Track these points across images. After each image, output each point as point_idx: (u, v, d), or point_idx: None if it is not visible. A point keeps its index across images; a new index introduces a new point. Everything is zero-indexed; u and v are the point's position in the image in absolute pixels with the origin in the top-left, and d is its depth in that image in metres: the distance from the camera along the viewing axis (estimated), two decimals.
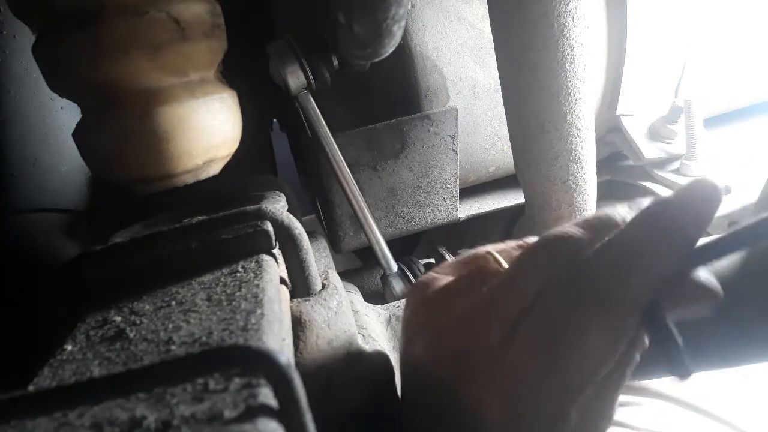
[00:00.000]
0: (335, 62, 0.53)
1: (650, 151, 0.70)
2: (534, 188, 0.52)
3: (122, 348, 0.24)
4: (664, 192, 0.68)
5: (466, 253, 0.32)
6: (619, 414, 0.50)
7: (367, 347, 0.35)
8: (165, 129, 0.41)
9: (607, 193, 0.72)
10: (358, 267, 0.77)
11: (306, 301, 0.33)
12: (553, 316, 0.24)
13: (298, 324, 0.32)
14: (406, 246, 0.86)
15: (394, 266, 0.56)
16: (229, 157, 0.48)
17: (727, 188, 0.66)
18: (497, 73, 0.50)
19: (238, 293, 0.26)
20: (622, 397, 0.51)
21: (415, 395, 0.29)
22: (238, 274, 0.28)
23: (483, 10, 0.62)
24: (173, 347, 0.23)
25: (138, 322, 0.26)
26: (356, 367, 0.33)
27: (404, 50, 0.60)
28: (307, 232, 0.34)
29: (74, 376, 0.22)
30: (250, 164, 0.66)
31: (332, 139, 0.53)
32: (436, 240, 0.76)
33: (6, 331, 0.55)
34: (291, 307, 0.32)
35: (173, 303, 0.27)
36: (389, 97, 0.61)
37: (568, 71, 0.45)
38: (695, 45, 0.70)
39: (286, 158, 0.89)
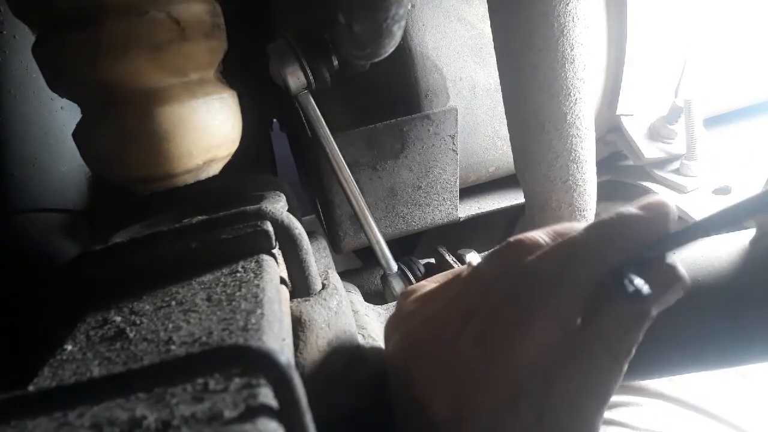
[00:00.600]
0: (335, 62, 0.53)
1: (650, 151, 0.70)
2: (534, 188, 0.52)
3: (122, 348, 0.24)
4: (664, 192, 0.68)
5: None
6: (620, 414, 0.50)
7: (368, 347, 0.35)
8: (165, 129, 0.41)
9: (607, 193, 0.72)
10: (358, 267, 0.77)
11: (306, 301, 0.33)
12: (496, 309, 0.26)
13: (298, 324, 0.32)
14: (406, 246, 0.86)
15: (394, 266, 0.56)
16: (229, 157, 0.48)
17: (726, 188, 0.66)
18: (497, 73, 0.50)
19: (238, 293, 0.26)
20: (622, 398, 0.51)
21: (388, 393, 0.31)
22: (238, 274, 0.28)
23: (483, 10, 0.62)
24: (173, 347, 0.23)
25: (138, 322, 0.26)
26: (356, 367, 0.33)
27: (404, 50, 0.60)
28: (307, 232, 0.34)
29: (74, 376, 0.22)
30: (250, 164, 0.66)
31: (332, 139, 0.53)
32: (436, 240, 0.76)
33: (6, 331, 0.55)
34: (291, 307, 0.32)
35: (173, 303, 0.27)
36: (389, 97, 0.61)
37: (568, 71, 0.45)
38: (695, 45, 0.70)
39: (286, 158, 0.89)
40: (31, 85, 0.58)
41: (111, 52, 0.39)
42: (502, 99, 0.51)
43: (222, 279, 0.28)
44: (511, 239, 0.28)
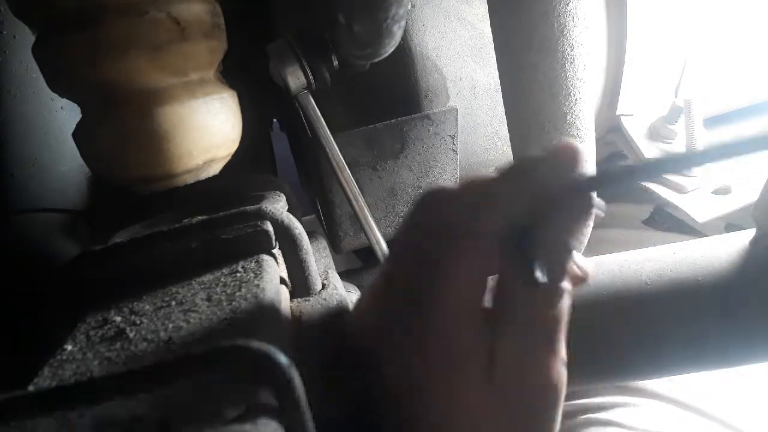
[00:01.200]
0: (335, 62, 0.53)
1: (650, 151, 0.69)
2: None
3: (122, 348, 0.24)
4: (664, 192, 0.68)
5: None
6: (617, 414, 0.50)
7: None
8: (165, 129, 0.41)
9: (607, 193, 0.72)
10: (358, 267, 0.77)
11: (306, 301, 0.33)
12: (415, 255, 0.25)
13: (298, 324, 0.32)
14: None
15: None
16: (229, 157, 0.48)
17: (726, 188, 0.66)
18: (497, 73, 0.50)
19: (238, 293, 0.26)
20: (619, 398, 0.51)
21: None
22: (238, 274, 0.28)
23: (483, 10, 0.62)
24: (173, 347, 0.23)
25: (138, 322, 0.26)
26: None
27: (404, 50, 0.60)
28: (307, 232, 0.34)
29: (74, 376, 0.22)
30: (250, 164, 0.66)
31: (332, 139, 0.53)
32: None
33: (6, 331, 0.55)
34: (291, 307, 0.32)
35: (173, 303, 0.27)
36: (389, 97, 0.61)
37: (568, 71, 0.45)
38: (695, 45, 0.70)
39: (286, 158, 0.89)
40: (31, 85, 0.58)
41: (111, 52, 0.39)
42: (502, 99, 0.51)
43: (222, 279, 0.28)
44: (423, 195, 0.26)
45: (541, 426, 0.25)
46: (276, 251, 0.32)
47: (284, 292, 0.31)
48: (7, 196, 0.58)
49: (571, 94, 0.46)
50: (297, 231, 0.32)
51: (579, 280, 0.26)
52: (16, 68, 0.57)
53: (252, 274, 0.28)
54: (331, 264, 0.51)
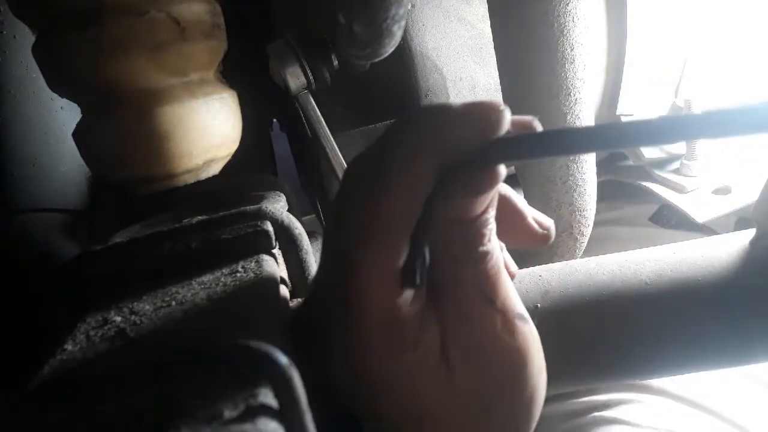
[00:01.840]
0: (335, 62, 0.53)
1: (650, 151, 0.69)
2: (534, 188, 0.52)
3: (122, 348, 0.24)
4: (664, 192, 0.68)
5: None
6: (621, 412, 0.50)
7: None
8: (165, 129, 0.41)
9: (607, 193, 0.72)
10: None
11: None
12: (343, 196, 0.24)
13: None
14: None
15: None
16: (229, 157, 0.48)
17: (726, 188, 0.66)
18: (497, 73, 0.50)
19: (238, 293, 0.26)
20: (623, 395, 0.51)
21: None
22: (238, 274, 0.28)
23: (483, 10, 0.62)
24: (173, 347, 0.23)
25: (138, 322, 0.26)
26: None
27: (404, 50, 0.60)
28: (307, 232, 0.34)
29: (74, 376, 0.22)
30: (250, 164, 0.66)
31: (332, 139, 0.53)
32: None
33: (6, 331, 0.55)
34: (291, 307, 0.32)
35: (173, 303, 0.27)
36: (389, 97, 0.61)
37: (568, 71, 0.45)
38: (695, 45, 0.70)
39: (286, 158, 0.89)
40: (31, 85, 0.58)
41: (111, 52, 0.39)
42: (502, 99, 0.51)
43: (222, 279, 0.28)
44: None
45: (513, 398, 0.24)
46: (276, 251, 0.32)
47: (284, 292, 0.31)
48: (7, 196, 0.58)
49: (571, 94, 0.46)
50: (297, 231, 0.33)
51: (541, 238, 0.25)
52: (16, 68, 0.57)
53: (252, 274, 0.28)
54: None
